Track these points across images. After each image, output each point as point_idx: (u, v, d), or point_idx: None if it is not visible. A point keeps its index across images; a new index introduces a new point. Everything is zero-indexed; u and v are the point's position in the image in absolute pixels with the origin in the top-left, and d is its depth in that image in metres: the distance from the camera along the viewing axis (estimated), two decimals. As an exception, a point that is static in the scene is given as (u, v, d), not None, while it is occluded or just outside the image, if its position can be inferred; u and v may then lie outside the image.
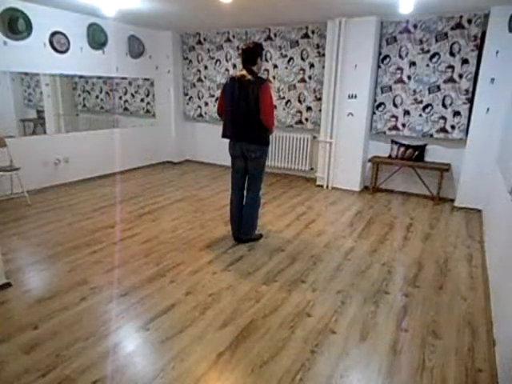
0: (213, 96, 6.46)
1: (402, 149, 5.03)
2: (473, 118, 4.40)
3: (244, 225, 3.41)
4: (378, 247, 3.45)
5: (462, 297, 2.66)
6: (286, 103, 5.79)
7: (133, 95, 6.45)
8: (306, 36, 5.41)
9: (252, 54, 3.12)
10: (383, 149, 5.26)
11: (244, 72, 3.11)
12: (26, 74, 4.88)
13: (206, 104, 6.58)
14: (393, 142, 5.12)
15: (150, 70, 6.39)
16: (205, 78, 6.48)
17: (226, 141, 3.45)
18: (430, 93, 4.76)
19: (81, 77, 5.66)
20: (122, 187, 5.28)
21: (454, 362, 2.00)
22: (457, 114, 4.65)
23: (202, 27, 6.01)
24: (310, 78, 5.53)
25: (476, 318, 2.41)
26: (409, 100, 4.91)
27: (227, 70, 6.20)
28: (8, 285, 2.63)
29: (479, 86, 4.29)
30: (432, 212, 4.50)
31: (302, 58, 5.51)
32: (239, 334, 2.17)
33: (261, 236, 3.58)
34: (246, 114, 3.07)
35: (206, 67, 6.42)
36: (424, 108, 4.83)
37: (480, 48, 4.33)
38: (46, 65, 4.80)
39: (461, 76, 4.54)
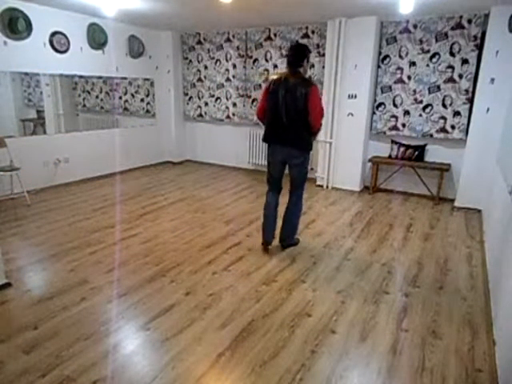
0: (213, 96, 6.46)
1: (402, 149, 5.03)
2: (473, 117, 4.40)
3: (285, 230, 3.29)
4: (378, 247, 3.45)
5: (462, 297, 2.66)
6: (286, 103, 5.78)
7: (133, 95, 6.45)
8: (305, 36, 5.41)
9: (299, 56, 2.95)
10: (383, 149, 5.26)
11: (289, 73, 2.95)
12: (26, 74, 4.88)
13: (206, 104, 6.58)
14: (393, 142, 5.12)
15: (150, 70, 6.39)
16: (205, 77, 6.48)
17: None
18: (430, 93, 4.76)
19: (81, 77, 5.66)
20: (122, 187, 5.28)
21: (454, 362, 2.00)
22: (457, 114, 4.65)
23: (202, 27, 6.01)
24: (309, 78, 5.53)
25: (476, 318, 2.41)
26: (409, 100, 4.91)
27: (227, 69, 6.20)
28: (8, 285, 2.63)
29: (479, 86, 4.29)
30: (432, 212, 4.50)
31: (302, 58, 5.50)
32: (239, 334, 2.17)
33: (298, 241, 3.47)
34: (292, 117, 2.91)
35: (206, 67, 6.42)
36: (424, 108, 4.83)
37: (480, 48, 4.33)
38: (46, 65, 4.80)
39: (461, 76, 4.54)
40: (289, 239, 3.35)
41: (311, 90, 2.87)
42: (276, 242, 3.36)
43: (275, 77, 3.02)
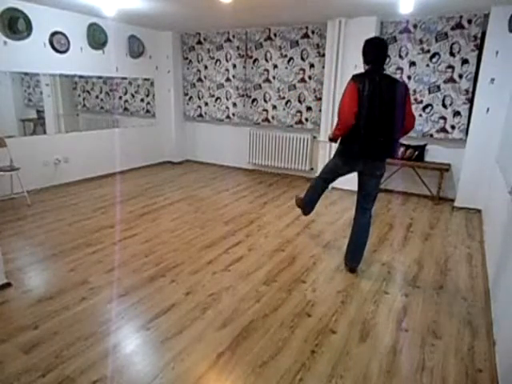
0: (213, 96, 6.46)
1: (402, 149, 5.03)
2: (473, 118, 4.40)
3: (359, 251, 2.91)
4: (378, 247, 3.45)
5: (462, 297, 2.66)
6: (286, 103, 5.79)
7: (133, 95, 6.45)
8: (306, 36, 5.41)
9: (386, 52, 2.63)
10: (383, 149, 5.26)
11: (377, 73, 2.60)
12: (26, 74, 4.88)
13: (206, 104, 6.58)
14: (393, 142, 5.11)
15: (150, 70, 6.39)
16: (205, 77, 6.48)
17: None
18: (430, 93, 4.76)
19: (81, 77, 5.66)
20: (122, 187, 5.28)
21: (454, 362, 2.00)
22: (457, 114, 4.65)
23: (202, 27, 6.01)
24: (309, 78, 5.53)
25: (476, 318, 2.41)
26: (409, 100, 4.90)
27: (227, 69, 6.20)
28: (8, 285, 2.63)
29: (479, 86, 4.29)
30: (432, 212, 4.50)
31: (302, 58, 5.51)
32: (239, 334, 2.17)
33: None
34: (390, 125, 2.55)
35: (206, 67, 6.42)
36: (424, 108, 4.83)
37: (480, 48, 4.33)
38: (45, 65, 4.80)
39: (461, 76, 4.54)
40: (359, 262, 2.96)
41: (408, 91, 2.59)
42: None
43: (365, 75, 2.60)
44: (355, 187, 5.54)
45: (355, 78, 2.60)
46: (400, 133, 2.64)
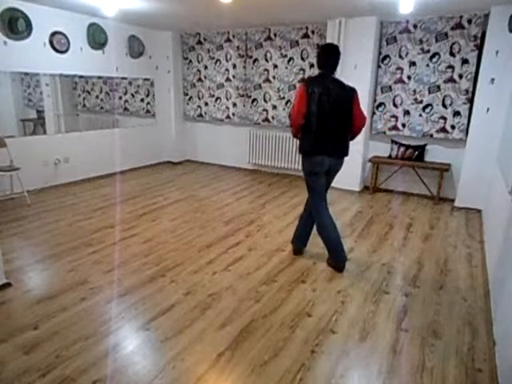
0: (213, 96, 6.46)
1: (402, 149, 5.03)
2: (473, 117, 4.40)
3: (340, 245, 3.02)
4: (378, 247, 3.45)
5: (462, 297, 2.66)
6: (286, 103, 5.79)
7: (133, 95, 6.45)
8: (305, 36, 5.41)
9: (338, 58, 2.82)
10: (383, 149, 5.26)
11: (328, 77, 2.82)
12: (26, 74, 4.88)
13: (206, 104, 6.58)
14: (393, 141, 5.12)
15: (150, 70, 6.39)
16: (205, 77, 6.48)
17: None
18: (429, 93, 4.76)
19: (81, 77, 5.66)
20: (121, 187, 5.28)
21: (454, 362, 2.00)
22: (457, 113, 4.65)
23: (202, 27, 6.01)
24: (309, 78, 5.52)
25: (476, 318, 2.41)
26: (409, 100, 4.91)
27: (227, 69, 6.20)
28: (8, 285, 2.63)
29: (479, 86, 4.29)
30: (432, 212, 4.50)
31: (302, 58, 5.51)
32: (239, 334, 2.17)
33: None
34: (340, 124, 2.79)
35: (206, 67, 6.42)
36: (424, 108, 4.83)
37: (480, 48, 4.33)
38: (45, 65, 4.80)
39: (461, 76, 4.54)
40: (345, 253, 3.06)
41: (356, 94, 2.81)
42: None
43: (316, 79, 2.84)
44: (355, 187, 5.56)
45: (306, 81, 2.82)
46: (350, 131, 2.87)
